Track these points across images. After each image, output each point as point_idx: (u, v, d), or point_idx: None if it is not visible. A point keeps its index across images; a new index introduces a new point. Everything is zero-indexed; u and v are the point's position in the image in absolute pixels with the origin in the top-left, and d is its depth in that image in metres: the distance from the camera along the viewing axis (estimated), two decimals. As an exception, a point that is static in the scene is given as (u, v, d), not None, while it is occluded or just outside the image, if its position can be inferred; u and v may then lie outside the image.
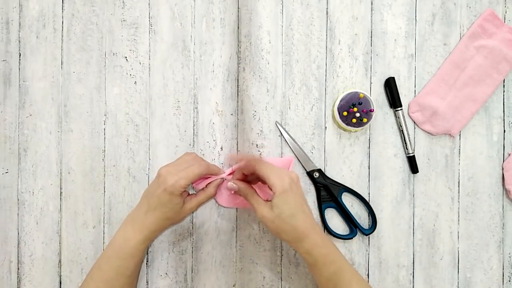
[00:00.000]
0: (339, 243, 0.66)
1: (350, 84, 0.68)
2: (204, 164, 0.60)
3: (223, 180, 0.63)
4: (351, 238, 0.66)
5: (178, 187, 0.56)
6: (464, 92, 0.67)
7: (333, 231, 0.66)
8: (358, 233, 0.66)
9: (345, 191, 0.66)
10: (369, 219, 0.67)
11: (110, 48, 0.67)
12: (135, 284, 0.62)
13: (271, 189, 0.54)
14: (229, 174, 0.63)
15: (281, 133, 0.66)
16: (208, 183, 0.63)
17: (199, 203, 0.62)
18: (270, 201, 0.54)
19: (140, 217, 0.59)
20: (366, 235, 0.65)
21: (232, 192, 0.61)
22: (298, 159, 0.66)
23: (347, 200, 0.67)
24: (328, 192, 0.65)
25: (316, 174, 0.65)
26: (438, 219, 0.68)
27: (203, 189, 0.63)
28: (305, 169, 0.66)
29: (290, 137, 0.66)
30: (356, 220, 0.65)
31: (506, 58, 0.67)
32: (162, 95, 0.67)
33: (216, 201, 0.66)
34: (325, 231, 0.66)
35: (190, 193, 0.64)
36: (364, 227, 0.66)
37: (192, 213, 0.65)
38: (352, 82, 0.68)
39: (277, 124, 0.66)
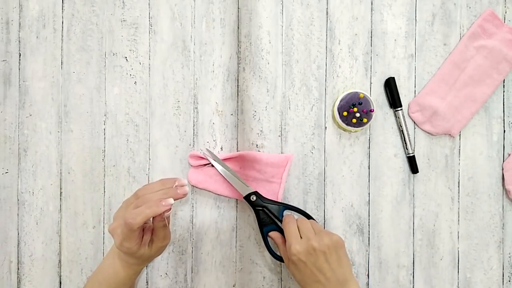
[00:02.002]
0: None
1: (350, 84, 0.68)
2: (139, 215, 0.50)
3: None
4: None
5: (125, 250, 0.52)
6: (464, 92, 0.67)
7: (276, 254, 0.63)
8: None
9: (285, 209, 0.63)
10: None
11: (110, 48, 0.67)
12: None
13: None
14: (222, 160, 0.65)
15: (210, 162, 0.64)
16: (157, 218, 0.53)
17: (160, 238, 0.55)
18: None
19: (126, 257, 0.55)
20: None
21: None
22: (232, 185, 0.63)
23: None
24: (269, 213, 0.63)
25: (253, 197, 0.63)
26: (438, 219, 0.68)
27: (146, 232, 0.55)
28: (241, 194, 0.63)
29: (221, 164, 0.64)
30: None
31: (506, 58, 0.67)
32: (162, 95, 0.67)
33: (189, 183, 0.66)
34: (269, 254, 0.63)
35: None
36: None
37: (161, 249, 0.57)
38: (352, 82, 0.68)
39: (205, 153, 0.65)
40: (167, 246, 0.58)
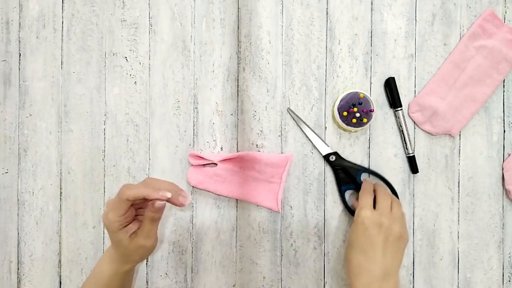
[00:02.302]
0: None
1: (350, 84, 0.68)
2: (125, 191, 0.50)
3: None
4: None
5: (109, 223, 0.52)
6: (464, 92, 0.67)
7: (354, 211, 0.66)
8: None
9: (363, 172, 0.66)
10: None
11: (110, 48, 0.67)
12: None
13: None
14: (222, 160, 0.65)
15: (294, 119, 0.67)
16: (146, 209, 0.53)
17: (144, 234, 0.54)
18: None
19: (111, 250, 0.56)
20: None
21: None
22: (313, 144, 0.66)
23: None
24: (347, 174, 0.66)
25: (333, 157, 0.66)
26: (438, 219, 0.68)
27: (143, 219, 0.54)
28: (321, 153, 0.66)
29: (304, 122, 0.66)
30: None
31: (506, 58, 0.67)
32: (162, 95, 0.67)
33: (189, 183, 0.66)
34: (347, 212, 0.66)
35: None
36: None
37: (152, 244, 0.56)
38: (352, 82, 0.68)
39: (289, 111, 0.67)
40: (149, 253, 0.56)
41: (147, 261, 0.66)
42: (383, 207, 0.59)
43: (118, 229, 0.52)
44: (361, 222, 0.58)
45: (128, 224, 0.54)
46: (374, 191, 0.63)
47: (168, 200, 0.52)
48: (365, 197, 0.61)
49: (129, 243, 0.54)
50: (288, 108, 0.67)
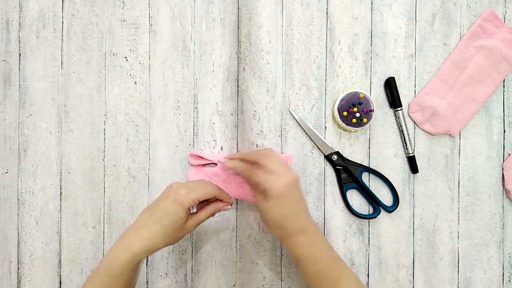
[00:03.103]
0: (360, 221, 0.66)
1: (350, 84, 0.68)
2: (217, 187, 0.58)
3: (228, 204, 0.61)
4: (375, 217, 0.66)
5: (189, 199, 0.54)
6: (464, 92, 0.67)
7: (357, 212, 0.66)
8: (382, 211, 0.67)
9: (364, 171, 0.66)
10: (392, 196, 0.67)
11: (110, 48, 0.67)
12: None
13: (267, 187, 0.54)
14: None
15: (295, 119, 0.67)
16: (211, 203, 0.59)
17: (198, 221, 0.57)
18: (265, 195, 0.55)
19: (133, 233, 0.55)
20: (390, 212, 0.66)
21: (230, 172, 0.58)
22: (315, 143, 0.66)
23: (367, 180, 0.67)
24: (348, 173, 0.66)
25: (335, 157, 0.66)
26: (438, 219, 0.68)
27: (203, 208, 0.59)
28: (323, 153, 0.66)
29: (305, 123, 0.66)
30: (378, 199, 0.66)
31: (506, 58, 0.67)
32: (162, 95, 0.67)
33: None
34: (349, 212, 0.66)
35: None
36: (387, 205, 0.66)
37: (190, 233, 0.60)
38: (352, 82, 0.68)
39: (291, 112, 0.67)
40: (174, 242, 0.57)
41: (147, 261, 0.66)
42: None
43: (189, 206, 0.55)
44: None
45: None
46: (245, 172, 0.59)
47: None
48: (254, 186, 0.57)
49: (182, 224, 0.55)
50: (289, 109, 0.67)
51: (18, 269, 0.66)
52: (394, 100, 0.67)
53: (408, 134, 0.67)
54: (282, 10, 0.67)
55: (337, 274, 0.56)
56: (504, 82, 0.68)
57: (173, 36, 0.67)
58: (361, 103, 0.65)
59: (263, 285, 0.67)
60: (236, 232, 0.67)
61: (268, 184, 0.53)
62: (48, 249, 0.66)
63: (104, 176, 0.67)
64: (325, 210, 0.67)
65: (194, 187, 0.56)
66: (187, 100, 0.67)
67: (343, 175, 0.66)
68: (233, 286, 0.67)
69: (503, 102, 0.68)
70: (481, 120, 0.68)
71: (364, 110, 0.65)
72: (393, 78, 0.67)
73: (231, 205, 0.59)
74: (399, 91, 0.67)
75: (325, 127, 0.67)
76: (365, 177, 0.67)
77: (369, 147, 0.68)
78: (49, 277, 0.66)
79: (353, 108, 0.65)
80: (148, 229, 0.54)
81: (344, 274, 0.56)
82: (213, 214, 0.59)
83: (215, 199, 0.59)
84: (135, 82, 0.67)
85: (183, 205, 0.54)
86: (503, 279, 0.68)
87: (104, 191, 0.67)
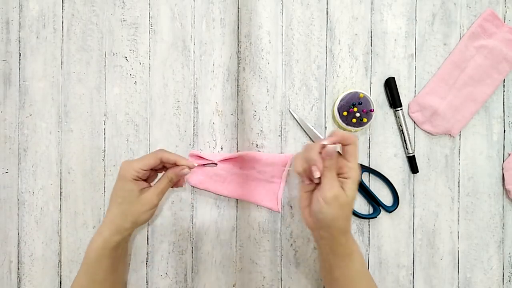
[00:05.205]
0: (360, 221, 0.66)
1: (350, 84, 0.68)
2: (164, 151, 0.56)
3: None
4: (375, 217, 0.66)
5: (131, 170, 0.54)
6: (464, 92, 0.67)
7: (357, 212, 0.66)
8: (382, 211, 0.67)
9: (364, 171, 0.66)
10: (392, 196, 0.67)
11: (110, 48, 0.67)
12: None
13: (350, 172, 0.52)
14: (221, 160, 0.65)
15: (295, 119, 0.66)
16: (170, 169, 0.57)
17: (158, 191, 0.55)
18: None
19: (104, 221, 0.56)
20: (390, 212, 0.66)
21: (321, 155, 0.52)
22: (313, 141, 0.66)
23: (367, 180, 0.67)
24: None
25: None
26: (438, 219, 0.68)
27: (161, 177, 0.57)
28: None
29: (305, 123, 0.66)
30: (378, 199, 0.66)
31: (506, 58, 0.67)
32: (162, 95, 0.67)
33: (188, 182, 0.66)
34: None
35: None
36: (387, 205, 0.67)
37: (155, 207, 0.56)
38: (352, 82, 0.68)
39: (291, 112, 0.67)
40: (143, 221, 0.56)
41: (147, 261, 0.66)
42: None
43: (132, 178, 0.54)
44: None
45: (141, 180, 0.56)
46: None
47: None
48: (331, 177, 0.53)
49: (137, 197, 0.54)
50: (289, 109, 0.67)
51: (18, 269, 0.66)
52: (394, 100, 0.67)
53: (408, 134, 0.67)
54: (282, 10, 0.67)
55: (369, 275, 0.56)
56: (504, 82, 0.68)
57: (173, 36, 0.67)
58: (361, 103, 0.65)
59: (263, 285, 0.67)
60: (236, 232, 0.67)
61: (350, 174, 0.51)
62: (48, 249, 0.66)
63: (104, 176, 0.67)
64: (325, 210, 0.67)
65: (140, 158, 0.55)
66: (187, 100, 0.67)
67: None
68: (233, 286, 0.67)
69: (503, 102, 0.68)
70: (481, 120, 0.68)
71: (364, 110, 0.65)
72: (393, 78, 0.67)
73: (190, 168, 0.56)
74: (399, 91, 0.67)
75: (325, 127, 0.67)
76: (365, 177, 0.67)
77: (369, 147, 0.68)
78: (49, 277, 0.66)
79: (353, 108, 0.65)
80: (109, 212, 0.55)
81: (371, 280, 0.56)
82: (172, 181, 0.57)
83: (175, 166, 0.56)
84: (135, 82, 0.67)
85: (126, 177, 0.54)
86: (503, 279, 0.68)
87: (104, 191, 0.67)
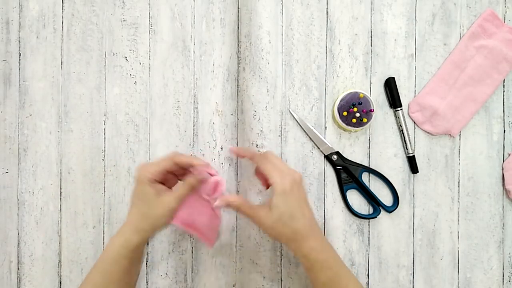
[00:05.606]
0: (360, 221, 0.66)
1: (350, 84, 0.68)
2: (178, 153, 0.56)
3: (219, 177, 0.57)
4: (375, 217, 0.66)
5: (146, 173, 0.54)
6: (464, 92, 0.67)
7: (357, 212, 0.66)
8: (382, 211, 0.67)
9: (364, 171, 0.66)
10: (392, 196, 0.67)
11: (110, 48, 0.67)
12: None
13: (271, 187, 0.54)
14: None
15: (295, 119, 0.66)
16: (190, 174, 0.56)
17: (177, 194, 0.55)
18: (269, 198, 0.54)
19: (125, 221, 0.56)
20: (390, 212, 0.66)
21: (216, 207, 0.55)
22: (315, 143, 0.66)
23: (367, 180, 0.67)
24: (348, 173, 0.66)
25: (335, 157, 0.66)
26: (438, 219, 0.68)
27: (182, 181, 0.57)
28: (323, 153, 0.66)
29: (305, 123, 0.66)
30: (378, 199, 0.66)
31: (506, 58, 0.67)
32: (162, 95, 0.67)
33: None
34: (349, 212, 0.67)
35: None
36: (387, 205, 0.67)
37: (174, 210, 0.55)
38: (352, 82, 0.68)
39: (291, 112, 0.67)
40: (162, 224, 0.55)
41: (147, 261, 0.66)
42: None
43: (148, 180, 0.54)
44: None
45: (159, 184, 0.55)
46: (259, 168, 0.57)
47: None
48: (248, 206, 0.55)
49: (155, 199, 0.54)
50: (289, 109, 0.67)
51: (18, 269, 0.66)
52: (394, 100, 0.67)
53: (408, 134, 0.67)
54: (282, 10, 0.67)
55: (345, 281, 0.55)
56: (504, 82, 0.68)
57: (173, 36, 0.67)
58: (361, 103, 0.65)
59: (263, 285, 0.67)
60: (236, 232, 0.67)
61: (273, 179, 0.53)
62: (48, 249, 0.66)
63: (104, 176, 0.67)
64: (325, 210, 0.67)
65: (154, 161, 0.55)
66: (187, 100, 0.67)
67: (343, 175, 0.66)
68: (233, 286, 0.67)
69: (503, 102, 0.68)
70: (481, 120, 0.68)
71: (364, 110, 0.65)
72: (393, 78, 0.67)
73: (206, 167, 0.55)
74: (399, 91, 0.67)
75: (325, 127, 0.67)
76: (365, 177, 0.67)
77: (369, 147, 0.68)
78: (49, 277, 0.66)
79: (353, 108, 0.65)
80: (129, 214, 0.56)
81: (351, 279, 0.55)
82: (192, 186, 0.56)
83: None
84: (135, 82, 0.67)
85: (142, 180, 0.54)
86: (503, 279, 0.68)
87: (104, 191, 0.67)
